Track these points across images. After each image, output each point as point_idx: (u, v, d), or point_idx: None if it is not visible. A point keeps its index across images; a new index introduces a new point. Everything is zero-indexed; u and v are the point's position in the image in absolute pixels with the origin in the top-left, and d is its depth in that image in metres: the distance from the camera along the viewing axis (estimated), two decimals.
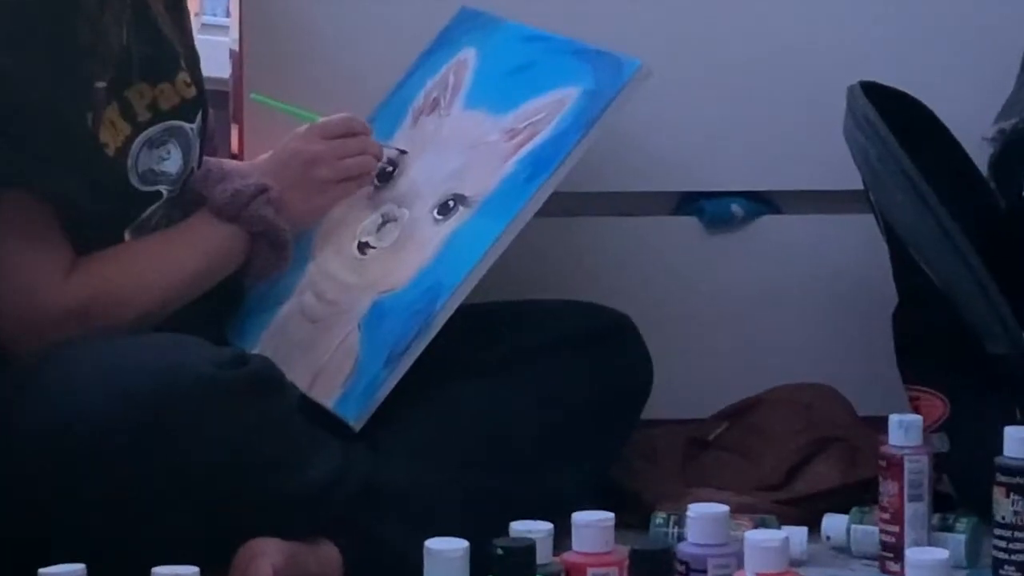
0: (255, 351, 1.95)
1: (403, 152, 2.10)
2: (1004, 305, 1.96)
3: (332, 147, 2.04)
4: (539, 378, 1.96)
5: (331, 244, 2.06)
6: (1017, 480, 1.74)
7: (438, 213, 2.01)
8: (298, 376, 1.91)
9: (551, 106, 2.02)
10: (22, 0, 1.88)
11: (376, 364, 1.90)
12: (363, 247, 2.02)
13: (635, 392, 2.06)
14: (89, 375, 1.73)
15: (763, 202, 2.29)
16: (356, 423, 1.86)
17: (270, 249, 1.99)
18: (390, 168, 2.09)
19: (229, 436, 1.73)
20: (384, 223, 2.04)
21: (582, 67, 2.05)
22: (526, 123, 2.02)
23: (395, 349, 1.89)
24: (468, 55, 2.16)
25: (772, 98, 2.25)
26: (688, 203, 2.30)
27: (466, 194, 2.00)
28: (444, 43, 2.20)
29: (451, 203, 2.00)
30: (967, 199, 2.05)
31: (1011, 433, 1.75)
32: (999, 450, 1.75)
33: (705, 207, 2.28)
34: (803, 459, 2.13)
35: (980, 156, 2.12)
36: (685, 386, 2.18)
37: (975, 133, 2.12)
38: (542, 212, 2.10)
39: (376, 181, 2.08)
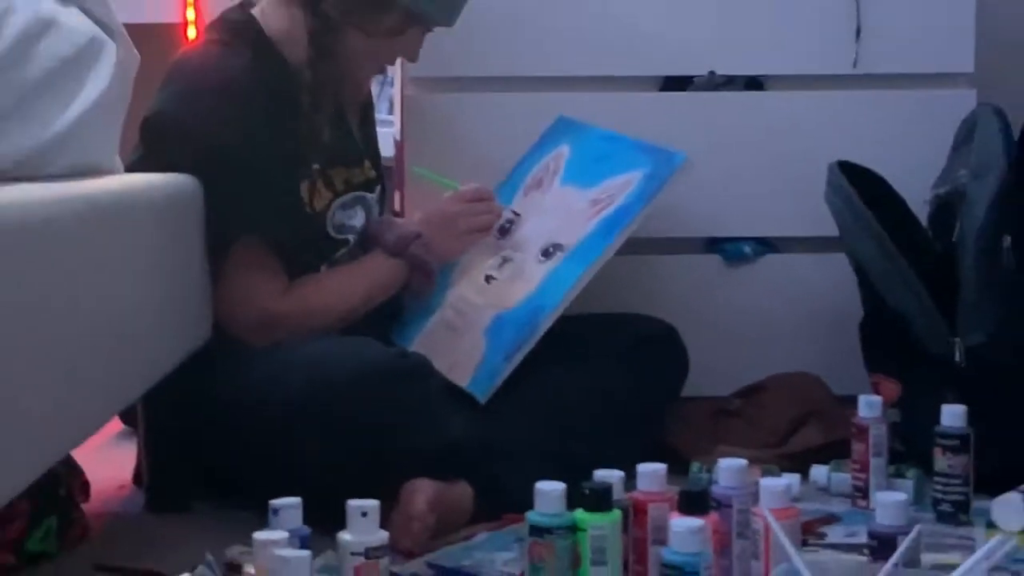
0: (411, 349, 1.97)
1: (517, 214, 2.10)
2: (940, 319, 1.98)
3: (466, 208, 2.07)
4: (611, 369, 1.98)
5: (466, 276, 2.06)
6: (950, 443, 1.79)
7: (542, 255, 2.02)
8: (441, 365, 1.92)
9: (622, 185, 2.05)
10: (261, 107, 1.88)
11: (498, 358, 1.92)
12: (488, 279, 2.04)
13: (677, 379, 2.10)
14: (312, 360, 1.77)
15: (767, 245, 2.32)
16: (483, 398, 1.90)
17: (422, 277, 2.01)
18: (508, 225, 2.10)
19: (396, 407, 1.75)
20: (504, 263, 2.05)
21: (644, 157, 2.06)
22: (605, 196, 2.05)
23: (510, 349, 1.93)
24: (564, 149, 2.16)
25: (775, 170, 2.26)
26: (711, 245, 2.33)
27: (563, 243, 2.02)
28: (547, 140, 2.20)
29: (551, 249, 2.02)
30: (912, 244, 2.06)
31: (946, 409, 1.81)
32: (937, 421, 1.81)
33: (724, 248, 2.32)
34: (795, 426, 2.16)
35: (922, 213, 2.15)
36: (711, 374, 2.19)
37: (918, 197, 2.15)
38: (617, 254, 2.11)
39: (497, 234, 2.09)
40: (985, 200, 1.97)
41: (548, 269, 2.01)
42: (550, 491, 1.42)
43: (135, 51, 1.58)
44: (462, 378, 1.94)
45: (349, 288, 1.98)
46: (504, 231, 2.10)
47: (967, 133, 2.13)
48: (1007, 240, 1.96)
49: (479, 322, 2.00)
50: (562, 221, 2.07)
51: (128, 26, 1.62)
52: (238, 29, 1.98)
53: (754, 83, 2.31)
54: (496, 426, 1.87)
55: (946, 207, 2.10)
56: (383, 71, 2.15)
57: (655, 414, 2.08)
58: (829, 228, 2.15)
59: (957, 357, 1.97)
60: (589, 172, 2.11)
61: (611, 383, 1.99)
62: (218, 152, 1.84)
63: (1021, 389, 1.93)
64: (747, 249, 2.32)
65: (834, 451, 2.06)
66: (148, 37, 1.86)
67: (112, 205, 1.40)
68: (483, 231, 2.08)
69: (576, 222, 2.05)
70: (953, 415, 1.81)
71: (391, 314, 2.06)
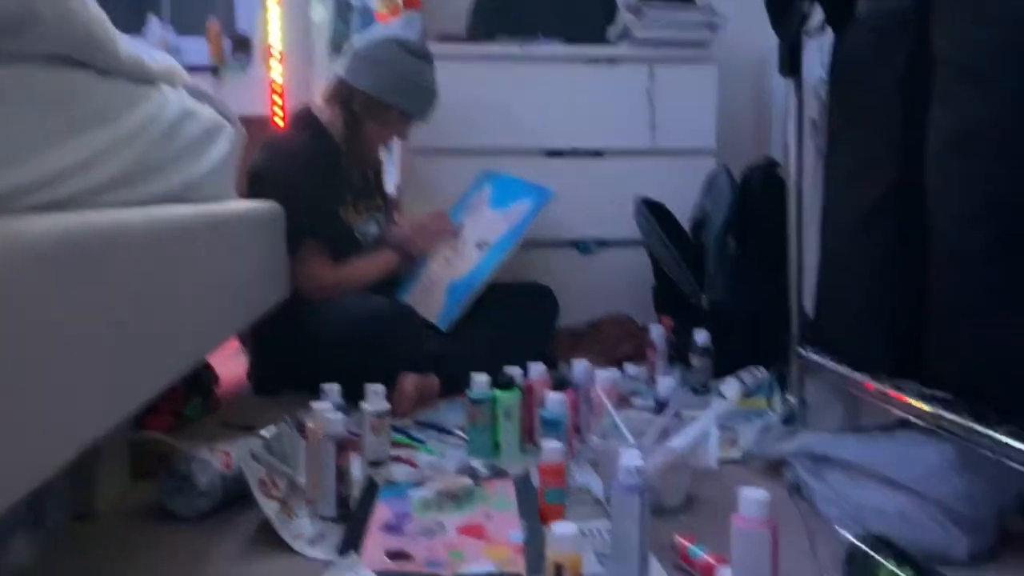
0: (406, 301, 1.94)
1: (462, 225, 2.05)
2: (695, 284, 2.00)
3: (432, 221, 2.03)
4: (516, 312, 1.97)
5: (435, 259, 2.00)
6: (699, 351, 1.81)
7: (477, 247, 1.99)
8: (422, 311, 1.90)
9: (520, 207, 2.03)
10: (317, 166, 1.86)
11: (453, 306, 1.89)
12: (447, 260, 1.99)
13: (552, 318, 2.07)
14: (347, 308, 1.75)
15: (603, 243, 2.29)
16: (445, 329, 1.87)
17: (409, 262, 1.99)
18: (459, 230, 2.04)
19: (396, 334, 1.75)
20: (456, 251, 2.01)
21: (532, 191, 2.04)
22: (512, 213, 2.02)
23: (461, 301, 1.89)
24: (487, 188, 2.12)
25: (608, 201, 2.23)
26: (572, 244, 2.29)
27: (489, 240, 1.99)
28: (477, 184, 2.15)
29: (482, 244, 1.99)
30: (681, 243, 2.06)
31: (697, 333, 1.84)
32: (693, 339, 1.84)
33: (579, 245, 2.30)
34: (618, 343, 2.16)
35: (687, 226, 2.13)
36: (571, 315, 2.16)
37: (684, 217, 2.13)
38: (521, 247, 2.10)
39: (452, 236, 2.04)
40: (720, 218, 2.01)
41: (481, 255, 1.98)
42: (481, 379, 1.43)
43: (243, 130, 1.58)
44: (434, 317, 1.90)
45: (367, 269, 1.93)
46: (456, 234, 2.07)
47: (710, 181, 2.15)
48: (732, 240, 2.00)
49: (442, 284, 1.96)
50: (488, 228, 2.03)
51: (239, 116, 1.62)
52: (304, 120, 1.96)
53: (597, 153, 2.31)
54: (453, 344, 1.86)
55: (699, 223, 2.11)
56: (387, 145, 2.09)
57: (540, 337, 2.05)
58: (636, 233, 2.15)
59: (704, 304, 2.01)
60: (502, 200, 2.08)
61: (516, 320, 1.97)
62: (293, 192, 1.81)
63: (737, 322, 1.94)
64: (592, 245, 2.32)
65: (639, 357, 2.07)
66: (250, 123, 1.84)
67: (232, 218, 1.39)
68: (444, 234, 2.04)
69: (496, 228, 2.02)
70: (702, 336, 1.85)
71: (392, 282, 2.02)
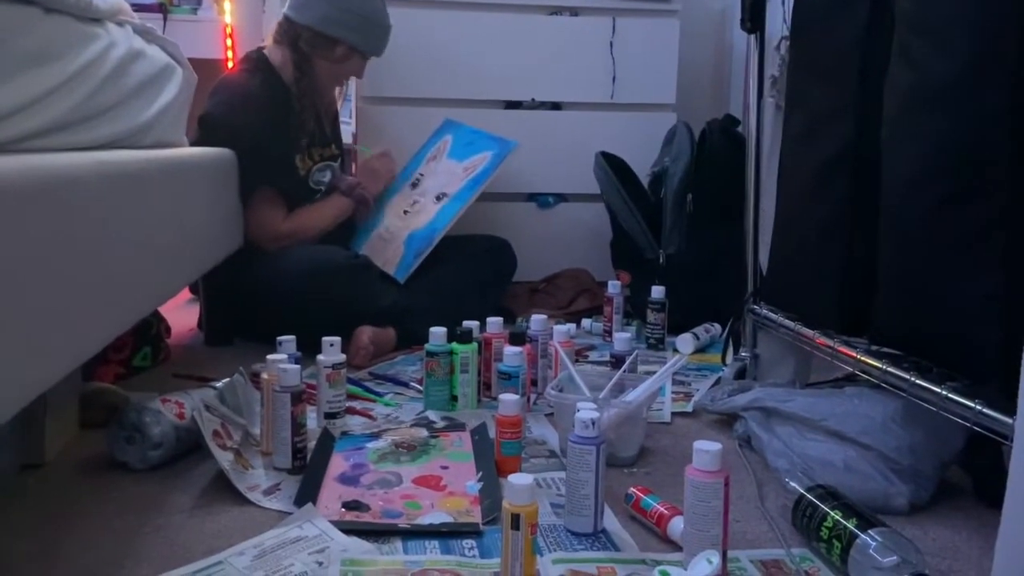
0: (361, 252, 1.92)
1: (422, 175, 2.03)
2: (652, 239, 2.02)
3: (380, 163, 2.00)
4: (473, 265, 1.97)
5: (392, 210, 2.00)
6: (655, 306, 1.83)
7: (435, 199, 1.97)
8: (378, 261, 1.88)
9: (481, 159, 2.01)
10: (269, 110, 1.82)
11: (410, 257, 1.88)
12: (405, 212, 1.98)
13: (510, 271, 2.07)
14: (302, 258, 1.73)
15: (561, 197, 2.29)
16: (402, 280, 1.86)
17: (363, 208, 1.97)
18: (417, 180, 2.04)
19: (353, 286, 1.73)
20: (414, 203, 1.99)
21: (493, 143, 2.04)
22: (471, 165, 2.01)
23: (418, 251, 1.87)
24: (448, 137, 2.11)
25: (567, 156, 2.22)
26: (530, 197, 2.28)
27: (447, 192, 1.98)
28: (439, 132, 2.13)
29: (441, 196, 1.97)
30: (639, 198, 2.07)
31: (654, 288, 1.85)
32: (649, 294, 1.85)
33: (537, 198, 2.28)
34: (575, 296, 2.18)
35: (645, 181, 2.15)
36: (529, 269, 2.16)
37: (642, 172, 2.15)
38: (478, 200, 2.13)
39: (410, 187, 2.02)
40: (679, 174, 2.03)
41: (440, 207, 1.96)
42: (438, 332, 1.42)
43: (194, 74, 1.53)
44: (391, 269, 1.89)
45: (321, 216, 1.91)
46: (415, 184, 2.04)
47: (670, 137, 2.17)
48: (689, 197, 2.02)
49: (400, 236, 1.94)
50: (447, 179, 2.01)
51: (190, 59, 1.57)
52: (254, 62, 1.91)
53: (556, 106, 2.30)
54: (410, 297, 1.84)
55: (657, 178, 2.12)
56: (341, 85, 2.02)
57: (498, 290, 2.06)
58: (594, 188, 2.15)
59: (661, 260, 2.02)
60: (463, 151, 2.06)
61: (473, 273, 1.96)
62: (243, 137, 1.77)
63: (692, 277, 1.96)
64: (550, 199, 2.31)
65: (595, 311, 2.09)
66: (202, 66, 1.79)
67: (183, 164, 1.36)
68: (390, 174, 2.02)
69: (455, 180, 2.00)
70: (657, 291, 1.87)
71: (348, 234, 2.00)
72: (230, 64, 2.43)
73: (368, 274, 1.82)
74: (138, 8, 1.74)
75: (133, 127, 1.21)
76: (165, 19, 2.39)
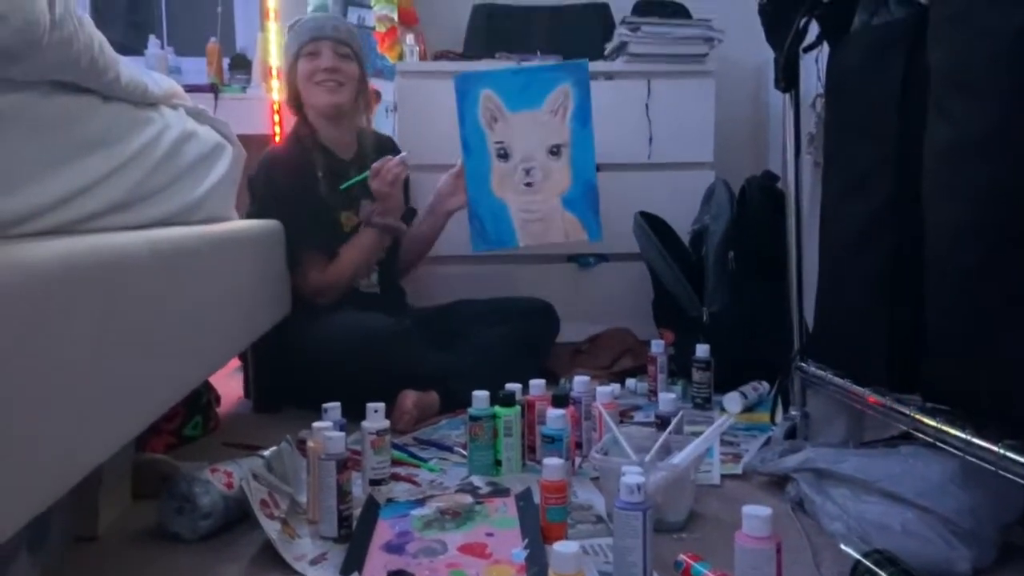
0: (521, 244, 1.96)
1: (501, 143, 1.94)
2: (695, 298, 2.00)
3: (380, 178, 1.86)
4: (516, 328, 1.96)
5: (507, 195, 1.95)
6: (700, 365, 1.82)
7: (550, 155, 1.94)
8: (555, 238, 1.95)
9: (561, 94, 1.93)
10: (293, 167, 1.88)
11: (591, 217, 1.95)
12: (527, 185, 1.95)
13: (552, 333, 2.07)
14: (346, 325, 1.75)
15: (603, 258, 2.29)
16: (601, 238, 1.95)
17: (389, 228, 1.91)
18: (503, 152, 1.95)
19: (396, 352, 1.74)
20: (528, 172, 1.95)
21: (560, 74, 1.93)
22: (556, 104, 1.94)
23: (593, 206, 1.95)
24: (487, 91, 1.94)
25: (608, 216, 2.07)
26: (572, 258, 2.29)
27: (558, 142, 1.94)
28: (464, 93, 1.93)
29: (554, 149, 1.94)
30: (680, 257, 2.07)
31: (698, 347, 1.83)
32: (694, 353, 1.83)
33: (578, 259, 2.29)
34: (618, 357, 2.17)
35: (686, 239, 2.15)
36: (571, 330, 2.15)
37: (683, 231, 2.15)
38: (516, 262, 2.15)
39: (499, 160, 1.95)
40: (719, 232, 2.02)
41: (567, 159, 1.93)
42: (480, 395, 1.42)
43: (243, 150, 1.59)
44: (580, 235, 1.96)
45: (351, 255, 1.90)
46: (503, 156, 1.96)
47: (709, 194, 2.16)
48: (731, 254, 2.01)
49: (554, 206, 1.96)
50: (542, 131, 1.94)
51: (240, 135, 1.63)
52: (294, 131, 1.99)
53: (596, 167, 2.29)
54: (453, 361, 1.85)
55: (698, 236, 2.12)
56: (334, 110, 1.94)
57: (541, 353, 2.06)
58: (635, 247, 2.16)
59: (704, 318, 2.01)
60: (525, 97, 1.93)
61: (516, 336, 1.96)
62: (281, 201, 1.85)
63: (738, 335, 1.94)
64: (591, 260, 2.32)
65: (639, 371, 2.09)
66: (251, 142, 1.85)
67: (232, 238, 1.40)
68: (397, 180, 1.87)
69: (551, 127, 1.94)
70: (702, 350, 1.85)
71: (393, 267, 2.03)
72: (277, 139, 2.51)
73: (410, 339, 1.82)
74: (191, 89, 1.81)
75: (185, 205, 1.26)
76: (216, 98, 2.47)
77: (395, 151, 2.00)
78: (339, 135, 2.01)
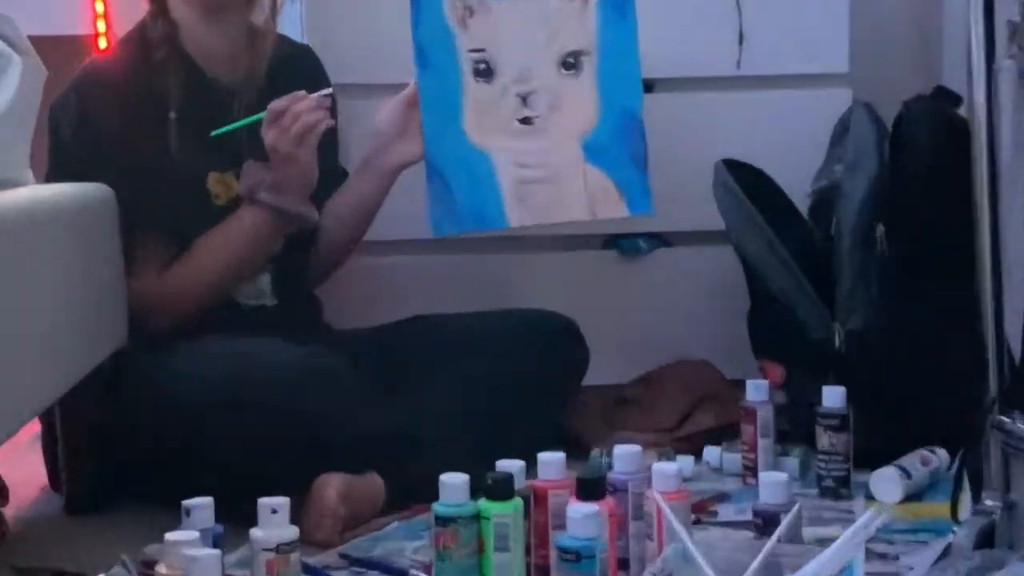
0: (509, 225, 1.98)
1: (482, 51, 1.95)
2: (820, 306, 2.02)
3: (279, 128, 1.84)
4: (514, 362, 1.96)
5: (491, 139, 1.95)
6: (831, 422, 1.82)
7: (564, 69, 1.95)
8: (579, 214, 1.98)
9: None
10: (146, 103, 1.90)
11: (634, 173, 1.96)
12: (526, 121, 1.95)
13: (577, 370, 2.07)
14: (215, 358, 1.74)
15: (660, 239, 2.32)
16: (654, 211, 2.00)
17: (283, 219, 1.91)
18: (482, 66, 1.95)
19: (309, 404, 1.72)
20: (525, 98, 1.95)
21: None
22: None
23: (638, 156, 1.95)
24: None
25: (666, 168, 2.14)
26: (608, 241, 2.32)
27: (578, 48, 1.94)
28: None
29: (571, 60, 1.95)
30: (794, 236, 2.08)
31: (826, 390, 1.84)
32: (819, 402, 1.84)
33: (620, 243, 2.31)
34: (689, 410, 2.17)
35: (803, 206, 2.18)
36: (609, 364, 2.18)
37: (799, 191, 2.18)
38: (512, 249, 2.19)
39: (480, 78, 1.96)
40: (859, 193, 2.02)
41: (591, 75, 1.96)
42: (454, 482, 1.42)
43: (41, 64, 1.57)
44: (613, 211, 1.99)
45: (214, 252, 1.92)
46: (484, 73, 1.99)
47: (842, 130, 2.16)
48: (880, 230, 2.00)
49: (570, 158, 1.97)
50: (547, 29, 1.97)
51: (37, 39, 1.61)
52: (131, 34, 2.00)
53: (645, 85, 2.22)
54: (405, 419, 1.86)
55: (824, 200, 2.13)
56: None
57: (557, 404, 2.07)
58: (717, 222, 2.16)
59: (836, 342, 2.01)
60: None
61: (514, 376, 1.97)
62: (112, 156, 1.86)
63: (895, 370, 1.95)
64: (642, 244, 2.33)
65: (726, 432, 2.09)
66: (57, 48, 1.84)
67: (19, 218, 1.39)
68: (312, 129, 1.85)
69: (565, 21, 1.97)
70: (833, 396, 1.84)
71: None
72: (103, 43, 2.51)
73: (333, 383, 1.82)
74: None
75: None
76: None
77: (315, 78, 2.01)
78: (219, 41, 2.00)
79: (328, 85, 1.96)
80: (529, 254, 2.21)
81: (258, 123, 1.87)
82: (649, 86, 2.27)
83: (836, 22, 2.31)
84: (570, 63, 1.96)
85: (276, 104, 1.85)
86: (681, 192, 2.26)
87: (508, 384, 1.96)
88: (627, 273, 2.35)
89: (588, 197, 2.00)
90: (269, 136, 1.86)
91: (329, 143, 2.04)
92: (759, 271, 2.11)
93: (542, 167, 2.00)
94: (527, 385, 1.99)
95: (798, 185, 2.20)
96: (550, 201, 2.00)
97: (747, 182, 2.13)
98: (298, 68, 2.07)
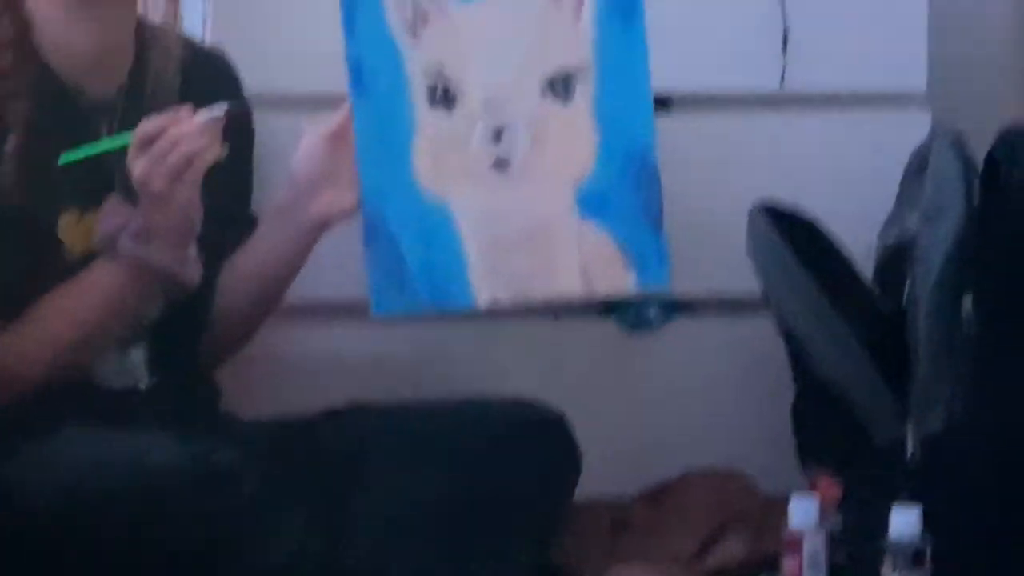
0: (479, 300, 1.93)
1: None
2: (888, 399, 2.03)
3: (150, 157, 1.82)
4: (484, 469, 1.95)
5: (456, 189, 1.92)
6: (902, 555, 1.80)
7: (552, 93, 1.92)
8: (561, 287, 1.96)
9: None
10: None
11: (646, 233, 1.94)
12: (499, 164, 1.91)
13: (566, 479, 2.05)
14: (66, 467, 1.73)
15: (675, 307, 2.30)
16: (667, 283, 1.99)
17: (149, 277, 1.90)
18: (442, 94, 1.93)
19: (197, 525, 1.73)
20: (497, 134, 1.92)
21: None
22: None
23: (652, 212, 1.93)
24: None
25: (685, 212, 2.18)
26: (607, 309, 2.30)
27: (567, 64, 1.93)
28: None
29: (558, 82, 1.92)
30: (854, 305, 2.09)
31: (896, 514, 1.82)
32: (887, 528, 1.82)
33: (623, 312, 2.30)
34: (713, 536, 2.16)
35: (866, 266, 2.18)
36: (608, 472, 2.17)
37: (861, 246, 2.17)
38: (479, 317, 2.19)
39: (438, 105, 1.93)
40: (941, 250, 2.02)
41: (588, 101, 1.95)
42: None
43: None
44: (617, 283, 1.98)
45: (59, 316, 1.92)
46: (444, 98, 1.95)
47: (919, 167, 2.16)
48: (968, 300, 2.01)
49: (559, 211, 1.95)
50: (534, 40, 1.96)
51: None
52: None
53: (659, 102, 2.24)
54: (332, 545, 1.84)
55: (895, 259, 2.14)
56: None
57: (539, 525, 2.03)
58: (751, 286, 2.17)
59: (910, 448, 2.01)
60: None
61: (480, 488, 1.94)
62: None
63: (986, 487, 1.96)
64: (650, 313, 2.32)
65: (761, 566, 2.08)
66: None
67: None
68: (193, 160, 1.83)
69: (559, 32, 1.97)
70: (906, 521, 1.83)
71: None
72: None
73: (234, 486, 1.80)
74: None
75: None
76: None
77: (226, 94, 1.99)
78: (88, 40, 2.00)
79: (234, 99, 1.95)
80: (502, 324, 2.20)
81: (126, 149, 1.86)
82: (664, 103, 2.29)
83: (911, 26, 2.34)
84: (558, 86, 1.94)
85: (147, 125, 1.83)
86: (703, 246, 2.27)
87: (472, 499, 1.92)
88: (632, 351, 2.34)
89: (583, 265, 1.97)
90: (137, 168, 1.82)
91: (234, 178, 2.05)
92: (807, 351, 2.11)
93: (521, 226, 1.98)
94: (498, 500, 1.95)
95: (860, 239, 2.20)
96: (532, 271, 1.98)
97: (792, 233, 2.13)
98: (203, 80, 2.08)
